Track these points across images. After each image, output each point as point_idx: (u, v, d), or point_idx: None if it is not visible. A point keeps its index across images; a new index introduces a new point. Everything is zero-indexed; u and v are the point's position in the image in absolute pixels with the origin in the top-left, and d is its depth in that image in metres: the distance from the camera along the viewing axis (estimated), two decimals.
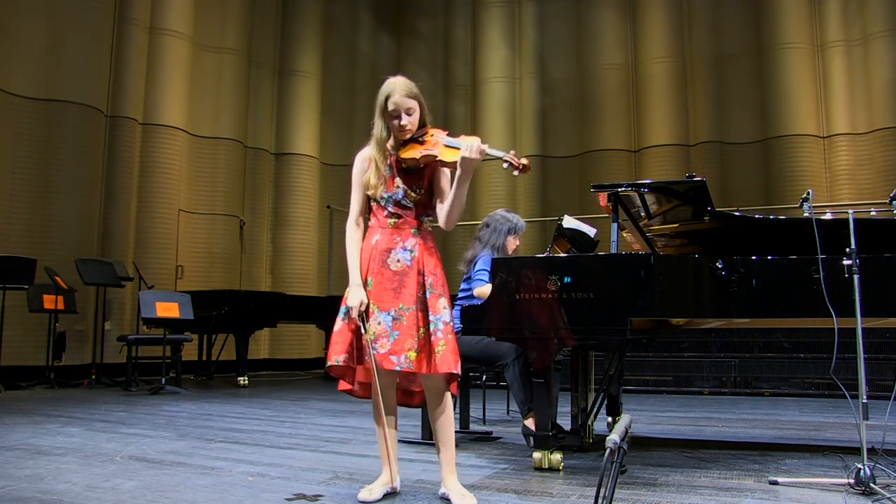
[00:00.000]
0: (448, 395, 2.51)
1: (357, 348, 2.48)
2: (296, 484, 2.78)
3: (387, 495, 2.55)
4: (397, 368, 2.40)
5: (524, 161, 2.35)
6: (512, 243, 4.06)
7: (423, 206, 2.54)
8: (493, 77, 11.82)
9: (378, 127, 2.51)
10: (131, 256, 8.73)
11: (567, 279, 3.01)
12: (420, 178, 2.51)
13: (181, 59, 9.56)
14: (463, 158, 2.35)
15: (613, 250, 3.10)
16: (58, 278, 7.17)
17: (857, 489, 2.60)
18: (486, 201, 11.26)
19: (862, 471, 2.59)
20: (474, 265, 3.99)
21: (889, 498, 2.51)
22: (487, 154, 2.35)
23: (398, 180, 2.51)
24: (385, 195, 2.51)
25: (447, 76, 12.39)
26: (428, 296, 2.45)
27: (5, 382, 6.72)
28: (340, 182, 11.73)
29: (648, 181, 3.28)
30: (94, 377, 7.67)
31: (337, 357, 2.46)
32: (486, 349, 3.77)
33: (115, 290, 8.08)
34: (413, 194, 2.50)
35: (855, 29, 10.04)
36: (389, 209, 2.51)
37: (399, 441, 3.71)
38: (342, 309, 2.51)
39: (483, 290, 3.77)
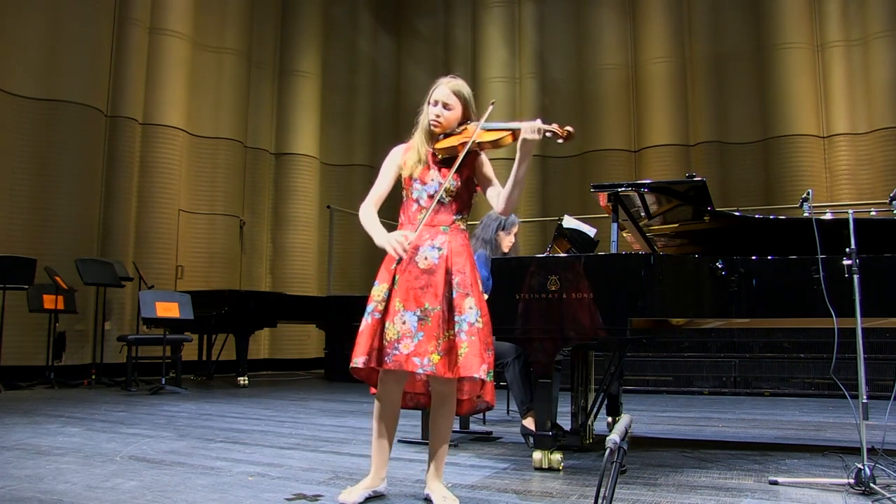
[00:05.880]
0: (453, 401, 2.42)
1: (377, 349, 2.38)
2: (296, 484, 2.77)
3: (371, 499, 2.49)
4: (420, 371, 2.31)
5: (568, 128, 2.42)
6: (505, 238, 4.06)
7: (459, 202, 2.50)
8: (493, 77, 11.82)
9: (424, 114, 2.55)
10: (131, 256, 8.73)
11: (567, 279, 3.02)
12: (458, 171, 2.47)
13: (181, 59, 9.56)
14: (524, 140, 2.37)
15: (613, 250, 3.10)
16: (58, 278, 7.17)
17: (857, 489, 2.60)
18: (486, 201, 11.25)
19: (862, 471, 2.59)
20: None
21: (889, 498, 2.51)
22: (545, 129, 2.40)
23: (434, 173, 2.49)
24: (419, 187, 2.48)
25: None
26: (454, 295, 2.39)
27: (5, 382, 6.72)
28: (341, 182, 11.75)
29: (648, 181, 3.28)
30: (94, 377, 7.67)
31: (357, 359, 2.36)
32: None
33: (115, 290, 8.08)
34: (450, 189, 2.47)
35: (855, 29, 10.04)
36: (421, 203, 2.48)
37: (399, 441, 3.73)
38: (368, 307, 2.42)
39: None
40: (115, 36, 8.84)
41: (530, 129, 2.37)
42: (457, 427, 4.30)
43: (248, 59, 10.63)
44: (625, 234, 3.70)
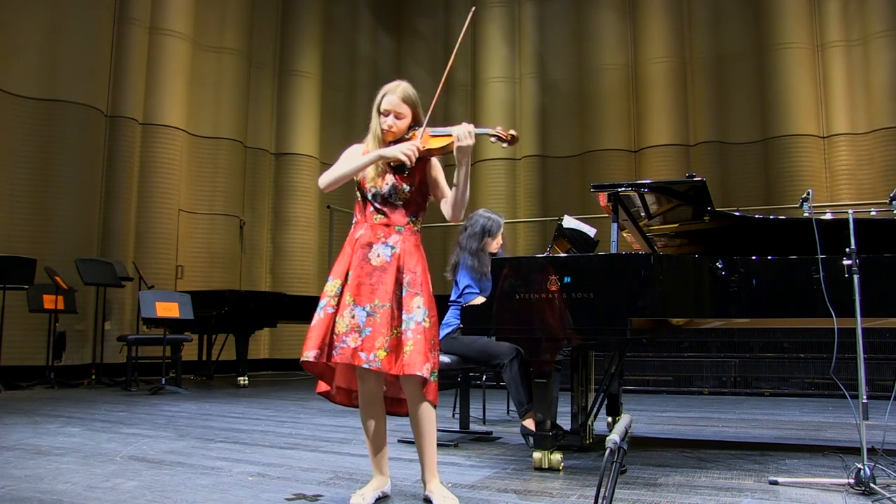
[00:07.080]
0: (425, 402, 2.42)
1: (329, 344, 2.40)
2: (296, 484, 2.77)
3: (379, 499, 2.50)
4: (365, 366, 2.35)
5: (512, 132, 2.43)
6: (492, 244, 4.04)
7: (412, 204, 2.54)
8: (493, 77, 11.82)
9: (375, 122, 2.56)
10: (131, 256, 8.73)
11: (567, 279, 3.01)
12: (410, 176, 2.53)
13: (181, 59, 9.56)
14: (458, 147, 2.41)
15: (613, 250, 3.10)
16: (58, 278, 7.17)
17: (857, 489, 2.60)
18: (486, 201, 11.24)
19: (862, 471, 2.59)
20: (457, 278, 4.01)
21: (889, 498, 2.51)
22: (478, 134, 2.42)
23: (388, 177, 2.53)
24: (373, 190, 2.53)
25: (447, 76, 12.36)
26: (404, 294, 2.43)
27: (5, 382, 6.72)
28: None
29: (648, 181, 3.28)
30: (94, 377, 7.68)
31: (308, 353, 2.38)
32: (484, 349, 3.78)
33: (115, 290, 8.08)
34: (403, 192, 2.51)
35: (855, 29, 10.04)
36: (377, 205, 2.53)
37: (399, 441, 3.73)
38: (321, 302, 2.47)
39: (475, 302, 3.78)
40: (115, 36, 8.85)
41: (463, 134, 2.40)
42: (457, 427, 4.31)
43: (248, 59, 10.63)
44: (625, 234, 3.70)
